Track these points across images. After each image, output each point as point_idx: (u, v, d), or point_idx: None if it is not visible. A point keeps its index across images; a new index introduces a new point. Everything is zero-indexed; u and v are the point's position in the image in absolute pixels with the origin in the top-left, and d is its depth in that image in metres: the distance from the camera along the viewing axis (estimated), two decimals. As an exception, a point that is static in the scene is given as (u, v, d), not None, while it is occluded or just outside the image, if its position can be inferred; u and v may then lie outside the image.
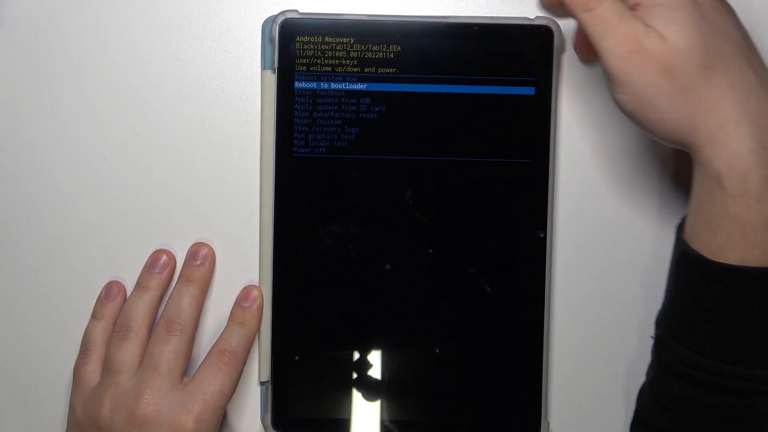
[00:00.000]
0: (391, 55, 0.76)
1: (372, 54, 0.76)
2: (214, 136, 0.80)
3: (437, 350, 0.79)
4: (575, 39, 0.77)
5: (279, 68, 0.77)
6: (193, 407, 0.75)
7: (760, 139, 0.65)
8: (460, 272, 0.79)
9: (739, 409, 0.68)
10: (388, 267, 0.79)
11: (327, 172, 0.77)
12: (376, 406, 0.80)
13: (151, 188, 0.80)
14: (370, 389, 0.79)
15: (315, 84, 0.77)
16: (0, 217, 0.80)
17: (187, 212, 0.80)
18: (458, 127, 0.77)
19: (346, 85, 0.77)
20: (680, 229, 0.70)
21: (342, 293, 0.79)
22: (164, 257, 0.80)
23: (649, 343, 0.73)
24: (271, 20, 0.77)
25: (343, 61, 0.76)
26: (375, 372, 0.79)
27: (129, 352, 0.77)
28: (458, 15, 0.78)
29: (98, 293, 0.80)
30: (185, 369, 0.77)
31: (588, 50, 0.74)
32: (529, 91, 0.77)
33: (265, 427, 0.79)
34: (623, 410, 0.81)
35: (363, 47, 0.76)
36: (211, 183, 0.80)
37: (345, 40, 0.76)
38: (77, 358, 0.79)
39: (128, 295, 0.80)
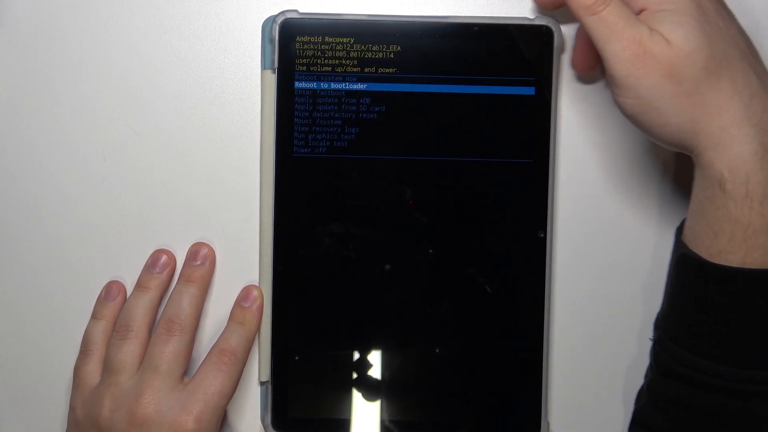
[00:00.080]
0: (391, 55, 0.76)
1: (372, 54, 0.76)
2: (214, 136, 0.80)
3: (437, 350, 0.79)
4: (573, 54, 0.77)
5: (279, 68, 0.77)
6: (193, 407, 0.75)
7: (763, 142, 0.65)
8: (460, 272, 0.79)
9: (738, 410, 0.68)
10: (388, 267, 0.79)
11: (327, 172, 0.77)
12: (376, 406, 0.80)
13: (151, 188, 0.80)
14: (370, 389, 0.79)
15: (315, 84, 0.77)
16: (0, 217, 0.80)
17: (187, 212, 0.80)
18: (458, 127, 0.77)
19: (346, 85, 0.77)
20: (680, 231, 0.71)
21: (342, 293, 0.79)
22: (164, 257, 0.80)
23: (649, 344, 0.73)
24: (271, 20, 0.77)
25: (343, 61, 0.76)
26: (375, 372, 0.79)
27: (129, 352, 0.77)
28: (458, 15, 0.78)
29: (98, 293, 0.80)
30: (185, 369, 0.77)
31: (585, 65, 0.75)
32: (530, 91, 0.77)
33: (265, 427, 0.79)
34: (623, 410, 0.81)
35: (363, 47, 0.76)
36: (211, 183, 0.80)
37: (345, 40, 0.76)
38: (77, 358, 0.79)
39: (128, 295, 0.80)
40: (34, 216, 0.80)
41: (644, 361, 0.74)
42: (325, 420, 0.80)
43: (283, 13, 0.77)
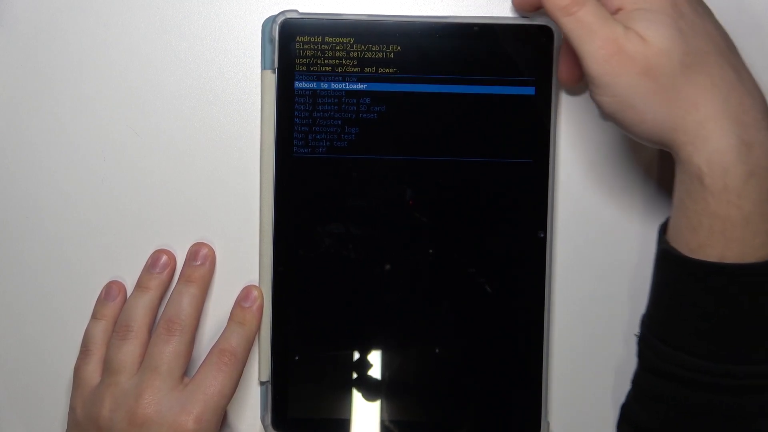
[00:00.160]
0: (391, 55, 0.76)
1: (372, 54, 0.76)
2: (214, 136, 0.80)
3: (437, 350, 0.79)
4: (559, 67, 0.77)
5: (279, 68, 0.77)
6: (194, 407, 0.74)
7: (741, 136, 0.65)
8: (460, 272, 0.79)
9: (721, 406, 0.68)
10: (388, 267, 0.79)
11: (327, 172, 0.77)
12: (376, 406, 0.80)
13: (151, 188, 0.80)
14: (370, 389, 0.79)
15: (315, 84, 0.77)
16: (0, 217, 0.80)
17: (187, 212, 0.80)
18: (458, 127, 0.77)
19: (346, 85, 0.77)
20: (663, 228, 0.71)
21: (342, 293, 0.79)
22: (164, 257, 0.80)
23: (644, 343, 0.73)
24: (271, 20, 0.77)
25: (343, 61, 0.76)
26: (375, 372, 0.79)
27: (129, 352, 0.77)
28: (458, 15, 0.78)
29: (98, 293, 0.80)
30: (185, 369, 0.77)
31: (570, 78, 0.75)
32: (529, 91, 0.77)
33: (265, 427, 0.79)
34: (623, 410, 0.81)
35: (363, 47, 0.76)
36: (211, 183, 0.80)
37: (345, 40, 0.76)
38: (77, 358, 0.79)
39: (128, 295, 0.80)
40: (34, 216, 0.80)
41: (644, 362, 0.74)
42: (325, 420, 0.80)
43: (283, 13, 0.77)
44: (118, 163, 0.80)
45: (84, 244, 0.80)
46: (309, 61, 0.76)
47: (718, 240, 0.66)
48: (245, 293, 0.79)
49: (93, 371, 0.78)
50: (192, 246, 0.80)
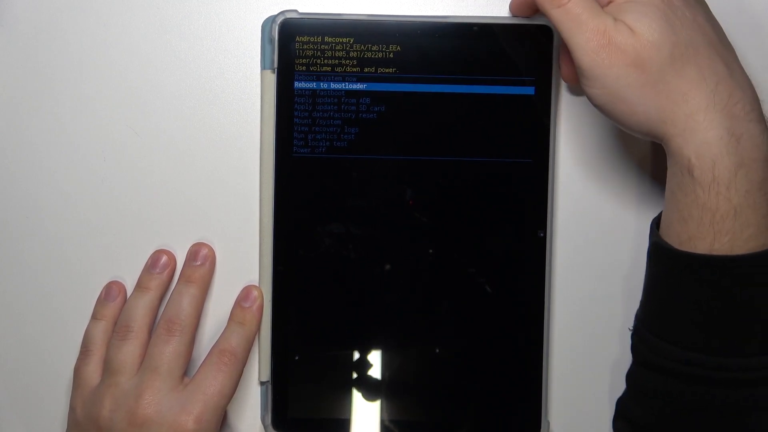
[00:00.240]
0: (391, 55, 0.76)
1: (371, 54, 0.76)
2: (214, 136, 0.80)
3: (437, 350, 0.79)
4: (561, 66, 0.77)
5: (279, 68, 0.77)
6: (194, 407, 0.74)
7: (729, 128, 0.65)
8: (460, 272, 0.79)
9: (714, 400, 0.68)
10: (388, 267, 0.79)
11: (327, 172, 0.77)
12: (376, 406, 0.80)
13: (151, 188, 0.80)
14: (370, 389, 0.79)
15: (314, 84, 0.77)
16: (0, 217, 0.80)
17: (187, 212, 0.80)
18: (458, 126, 0.77)
19: (345, 85, 0.77)
20: (656, 222, 0.71)
21: (342, 293, 0.79)
22: (164, 257, 0.80)
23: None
24: (271, 20, 0.77)
25: (343, 61, 0.76)
26: (375, 372, 0.79)
27: (129, 352, 0.77)
28: (458, 15, 0.78)
29: (98, 293, 0.80)
30: (185, 369, 0.77)
31: (574, 76, 0.75)
32: (529, 90, 0.77)
33: (265, 427, 0.79)
34: (623, 410, 0.81)
35: (362, 47, 0.76)
36: (211, 183, 0.80)
37: (344, 40, 0.76)
38: (77, 359, 0.79)
39: (128, 295, 0.80)
40: (34, 216, 0.80)
41: (644, 361, 0.74)
42: (325, 420, 0.80)
43: (282, 13, 0.77)
44: (118, 163, 0.80)
45: (84, 244, 0.80)
46: (309, 61, 0.76)
47: (708, 232, 0.66)
48: (245, 293, 0.79)
49: (93, 371, 0.78)
50: (192, 246, 0.80)
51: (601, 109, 0.69)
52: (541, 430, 0.79)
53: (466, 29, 0.77)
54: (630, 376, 0.73)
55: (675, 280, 0.68)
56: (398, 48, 0.76)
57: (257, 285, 0.79)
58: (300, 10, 0.77)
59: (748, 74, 0.69)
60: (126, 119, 0.80)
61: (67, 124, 0.79)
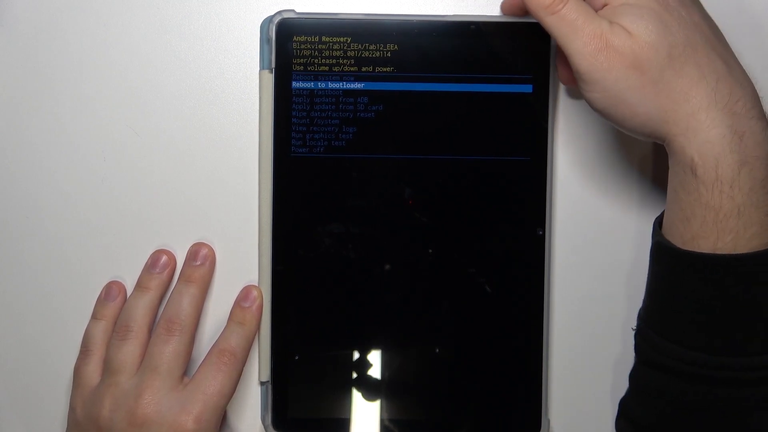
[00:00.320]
0: (388, 54, 0.76)
1: (369, 53, 0.76)
2: (214, 136, 0.80)
3: (437, 350, 0.79)
4: (558, 69, 0.77)
5: (276, 68, 0.77)
6: (193, 407, 0.75)
7: (731, 126, 0.65)
8: (459, 272, 0.78)
9: (717, 399, 0.68)
10: (387, 267, 0.79)
11: (325, 171, 0.77)
12: (376, 405, 0.79)
13: (151, 188, 0.80)
14: (370, 389, 0.79)
15: (312, 84, 0.77)
16: (0, 217, 0.80)
17: (187, 212, 0.80)
18: (456, 125, 0.77)
19: (343, 85, 0.77)
20: (658, 221, 0.71)
21: (341, 293, 0.79)
22: (164, 257, 0.80)
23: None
24: (268, 20, 0.77)
25: (340, 61, 0.76)
26: (375, 372, 0.79)
27: (129, 352, 0.77)
28: (455, 14, 0.78)
29: (98, 293, 0.80)
30: (185, 369, 0.77)
31: (571, 78, 0.75)
32: (527, 88, 0.77)
33: (265, 427, 0.79)
34: (624, 409, 0.80)
35: (360, 46, 0.76)
36: (211, 183, 0.80)
37: (342, 39, 0.76)
38: (77, 358, 0.79)
39: (128, 295, 0.80)
40: (34, 216, 0.80)
41: (644, 360, 0.74)
42: (325, 420, 0.80)
43: (279, 13, 0.76)
44: (118, 163, 0.80)
45: (84, 244, 0.80)
46: (306, 61, 0.76)
47: (711, 231, 0.66)
48: (245, 293, 0.79)
49: (93, 371, 0.78)
50: (192, 246, 0.80)
51: (601, 113, 0.69)
52: (542, 429, 0.79)
53: (463, 28, 0.76)
54: (633, 376, 0.73)
55: (678, 280, 0.68)
56: (395, 47, 0.76)
57: (257, 285, 0.79)
58: (297, 10, 0.77)
59: (747, 74, 0.69)
60: (126, 119, 0.80)
61: (67, 124, 0.80)
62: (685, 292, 0.68)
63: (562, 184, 0.79)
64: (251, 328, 0.78)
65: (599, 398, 0.81)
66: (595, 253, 0.80)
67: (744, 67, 0.69)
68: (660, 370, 0.69)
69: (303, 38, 0.76)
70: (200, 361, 0.77)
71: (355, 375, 0.79)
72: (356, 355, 0.79)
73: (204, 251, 0.80)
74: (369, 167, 0.77)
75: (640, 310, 0.72)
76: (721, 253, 0.66)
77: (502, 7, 0.77)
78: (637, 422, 0.72)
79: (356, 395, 0.79)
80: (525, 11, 0.73)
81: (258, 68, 0.79)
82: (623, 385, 0.74)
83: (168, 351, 0.76)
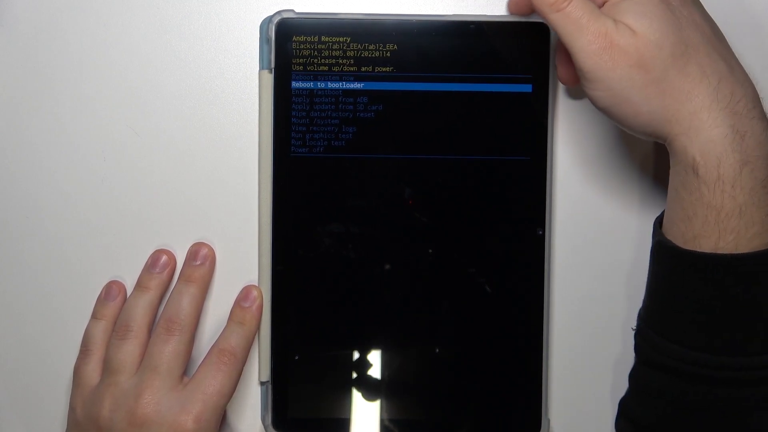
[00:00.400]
0: (388, 54, 0.76)
1: (368, 53, 0.76)
2: (214, 136, 0.80)
3: (437, 350, 0.79)
4: (558, 68, 0.77)
5: (276, 68, 0.77)
6: (193, 407, 0.75)
7: (733, 125, 0.65)
8: (459, 272, 0.78)
9: (717, 399, 0.68)
10: (387, 267, 0.79)
11: (325, 171, 0.77)
12: (376, 405, 0.79)
13: (151, 188, 0.80)
14: (370, 389, 0.79)
15: (312, 83, 0.77)
16: (0, 217, 0.80)
17: (187, 212, 0.80)
18: (456, 125, 0.77)
19: (342, 85, 0.77)
20: (658, 221, 0.71)
21: (342, 293, 0.79)
22: (164, 257, 0.80)
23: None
24: (268, 20, 0.77)
25: (340, 61, 0.76)
26: (375, 372, 0.79)
27: (129, 352, 0.77)
28: (455, 13, 0.78)
29: (98, 293, 0.80)
30: (185, 369, 0.77)
31: (570, 78, 0.75)
32: (526, 88, 0.77)
33: (265, 427, 0.79)
34: (624, 409, 0.80)
35: (359, 46, 0.76)
36: (211, 183, 0.80)
37: (341, 39, 0.76)
38: (77, 358, 0.79)
39: (128, 295, 0.80)
40: (34, 216, 0.80)
41: (644, 360, 0.74)
42: (325, 420, 0.80)
43: (279, 13, 0.77)
44: (118, 163, 0.80)
45: (84, 244, 0.80)
46: (306, 61, 0.76)
47: (713, 230, 0.66)
48: (245, 293, 0.79)
49: (93, 371, 0.78)
50: (192, 246, 0.80)
51: (604, 111, 0.69)
52: (542, 429, 0.79)
53: (462, 28, 0.76)
54: (633, 376, 0.73)
55: (679, 279, 0.68)
56: (395, 47, 0.76)
57: (257, 285, 0.79)
58: (297, 10, 0.77)
59: (747, 74, 0.69)
60: (126, 119, 0.80)
61: (67, 124, 0.80)
62: (685, 291, 0.68)
63: (562, 184, 0.79)
64: (251, 328, 0.78)
65: (599, 398, 0.81)
66: (595, 253, 0.80)
67: (744, 67, 0.69)
68: (660, 370, 0.69)
69: (302, 38, 0.76)
70: (200, 361, 0.77)
71: (355, 375, 0.79)
72: (356, 355, 0.79)
73: (204, 251, 0.80)
74: (369, 167, 0.77)
75: (640, 310, 0.72)
76: (722, 252, 0.66)
77: (509, 6, 0.77)
78: (637, 422, 0.72)
79: (356, 395, 0.79)
80: (531, 9, 0.73)
81: (258, 68, 0.79)
82: (623, 385, 0.74)
83: (168, 351, 0.76)
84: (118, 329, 0.78)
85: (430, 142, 0.77)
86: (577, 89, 0.78)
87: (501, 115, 0.77)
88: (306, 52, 0.76)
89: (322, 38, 0.76)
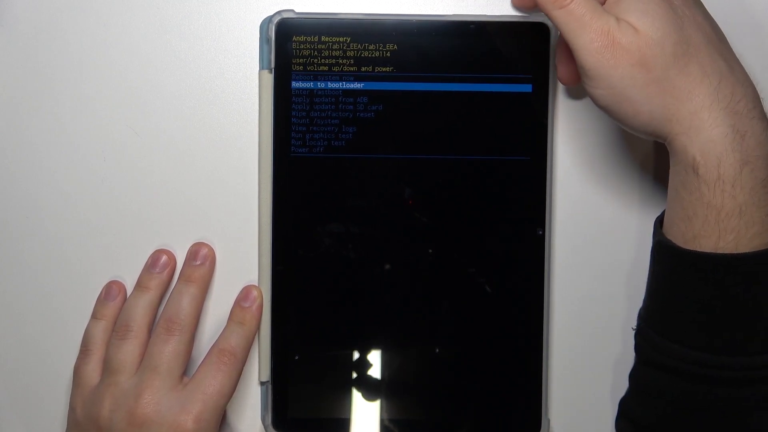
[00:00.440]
0: (388, 54, 0.76)
1: (368, 53, 0.76)
2: (214, 136, 0.80)
3: (437, 350, 0.79)
4: (558, 68, 0.77)
5: (276, 68, 0.77)
6: (193, 407, 0.75)
7: (734, 125, 0.65)
8: (459, 272, 0.78)
9: (717, 399, 0.68)
10: (387, 267, 0.79)
11: (325, 171, 0.77)
12: (376, 405, 0.79)
13: (151, 188, 0.80)
14: (370, 389, 0.79)
15: (312, 83, 0.77)
16: (0, 217, 0.80)
17: (187, 212, 0.80)
18: (456, 125, 0.77)
19: (342, 85, 0.77)
20: (659, 221, 0.71)
21: (342, 293, 0.79)
22: (164, 257, 0.80)
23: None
24: (268, 20, 0.77)
25: (340, 61, 0.76)
26: (375, 372, 0.79)
27: (129, 352, 0.77)
28: (455, 13, 0.78)
29: (98, 293, 0.80)
30: (185, 369, 0.77)
31: (570, 78, 0.75)
32: (526, 88, 0.77)
33: (265, 427, 0.79)
34: (624, 409, 0.80)
35: (359, 46, 0.76)
36: (211, 183, 0.80)
37: (341, 39, 0.76)
38: (77, 358, 0.79)
39: (128, 295, 0.80)
40: (34, 216, 0.80)
41: (644, 360, 0.74)
42: (325, 420, 0.80)
43: (279, 13, 0.77)
44: (118, 163, 0.80)
45: (84, 244, 0.80)
46: (306, 61, 0.76)
47: (713, 230, 0.66)
48: (245, 293, 0.79)
49: (93, 371, 0.78)
50: (192, 246, 0.80)
51: (605, 110, 0.69)
52: (542, 429, 0.79)
53: (462, 28, 0.76)
54: (633, 376, 0.73)
55: (679, 279, 0.68)
56: (395, 47, 0.76)
57: (257, 285, 0.79)
58: (297, 10, 0.77)
59: (747, 74, 0.69)
60: (126, 119, 0.80)
61: (67, 124, 0.80)
62: (686, 291, 0.68)
63: (562, 183, 0.79)
64: (251, 328, 0.78)
65: (599, 398, 0.81)
66: (595, 253, 0.80)
67: (744, 67, 0.69)
68: (660, 370, 0.69)
69: (302, 38, 0.76)
70: (200, 361, 0.77)
71: (355, 375, 0.79)
72: (356, 355, 0.79)
73: (204, 251, 0.80)
74: (369, 167, 0.77)
75: (640, 309, 0.72)
76: (723, 252, 0.66)
77: (513, 2, 0.77)
78: (637, 422, 0.72)
79: (356, 395, 0.79)
80: (535, 6, 0.73)
81: (258, 68, 0.79)
82: (623, 385, 0.74)
83: (168, 351, 0.76)
84: (118, 329, 0.78)
85: (430, 142, 0.77)
86: (577, 89, 0.78)
87: (501, 115, 0.77)
88: (306, 52, 0.76)
89: (322, 38, 0.76)
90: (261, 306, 0.79)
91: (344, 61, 0.76)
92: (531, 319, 0.79)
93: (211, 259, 0.80)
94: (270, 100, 0.77)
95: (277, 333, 0.79)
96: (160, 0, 0.79)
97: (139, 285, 0.79)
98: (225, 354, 0.76)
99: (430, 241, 0.78)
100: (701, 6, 0.70)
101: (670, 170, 0.69)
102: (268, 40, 0.77)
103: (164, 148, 0.80)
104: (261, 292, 0.79)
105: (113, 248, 0.81)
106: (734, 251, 0.66)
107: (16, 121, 0.80)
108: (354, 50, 0.76)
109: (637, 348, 0.72)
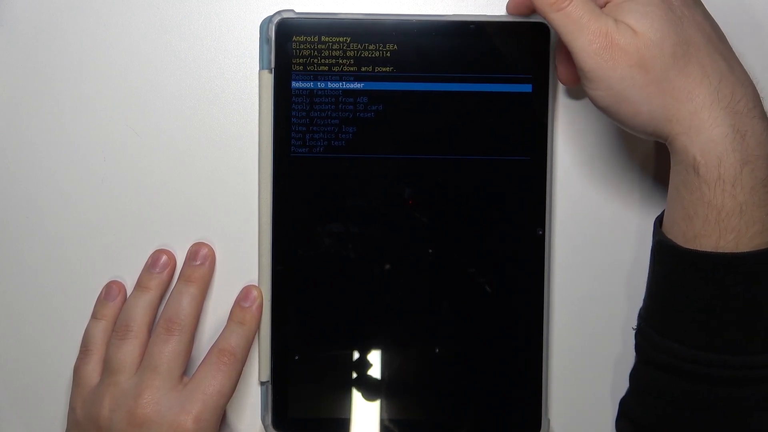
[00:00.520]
0: (388, 54, 0.76)
1: (368, 53, 0.76)
2: (214, 136, 0.80)
3: (437, 350, 0.79)
4: (557, 68, 0.77)
5: (276, 68, 0.77)
6: (193, 407, 0.75)
7: (734, 125, 0.65)
8: (459, 272, 0.78)
9: (717, 399, 0.68)
10: (387, 267, 0.78)
11: (325, 171, 0.77)
12: (376, 405, 0.79)
13: (151, 188, 0.80)
14: (370, 389, 0.79)
15: (312, 83, 0.77)
16: (0, 217, 0.80)
17: (187, 212, 0.80)
18: (456, 125, 0.77)
19: (342, 85, 0.77)
20: (659, 220, 0.71)
21: (342, 293, 0.79)
22: (164, 257, 0.80)
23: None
24: (268, 20, 0.77)
25: (340, 61, 0.76)
26: (375, 372, 0.79)
27: (129, 352, 0.77)
28: (455, 13, 0.78)
29: (98, 293, 0.80)
30: (185, 369, 0.77)
31: (570, 79, 0.75)
32: (526, 88, 0.77)
33: (265, 427, 0.79)
34: (624, 409, 0.80)
35: (359, 46, 0.76)
36: (211, 183, 0.80)
37: (341, 39, 0.76)
38: (77, 358, 0.79)
39: (128, 295, 0.80)
40: (34, 216, 0.80)
41: (643, 359, 0.74)
42: (325, 420, 0.80)
43: (279, 13, 0.77)
44: (118, 163, 0.80)
45: (84, 244, 0.80)
46: (306, 61, 0.76)
47: (713, 230, 0.66)
48: (245, 293, 0.79)
49: (93, 371, 0.78)
50: (192, 246, 0.80)
51: (605, 111, 0.69)
52: (542, 429, 0.79)
53: (462, 28, 0.76)
54: (633, 375, 0.73)
55: (679, 278, 0.68)
56: (395, 47, 0.76)
57: (257, 285, 0.79)
58: (297, 10, 0.77)
59: (747, 73, 0.69)
60: (126, 119, 0.80)
61: (67, 124, 0.80)
62: (686, 291, 0.68)
63: (562, 183, 0.79)
64: (251, 328, 0.78)
65: (599, 398, 0.81)
66: (595, 253, 0.80)
67: (744, 67, 0.69)
68: (661, 370, 0.69)
69: (302, 38, 0.76)
70: (200, 361, 0.77)
71: (355, 375, 0.79)
72: (356, 355, 0.79)
73: (204, 251, 0.80)
74: (369, 167, 0.77)
75: (640, 309, 0.72)
76: (723, 252, 0.66)
77: (508, 7, 0.77)
78: (638, 422, 0.72)
79: (356, 395, 0.79)
80: (531, 9, 0.73)
81: (258, 68, 0.79)
82: (623, 385, 0.74)
83: (168, 351, 0.76)
84: (118, 329, 0.78)
85: (430, 142, 0.77)
86: (577, 89, 0.78)
87: (501, 115, 0.77)
88: (306, 52, 0.76)
89: (322, 38, 0.76)
90: (261, 306, 0.79)
91: (344, 61, 0.76)
92: (531, 319, 0.79)
93: (211, 259, 0.80)
94: (270, 100, 0.77)
95: (277, 333, 0.79)
96: (160, 0, 0.79)
97: (139, 285, 0.79)
98: (225, 354, 0.76)
99: (430, 241, 0.78)
100: (701, 5, 0.70)
101: (671, 170, 0.69)
102: (268, 40, 0.77)
103: (164, 148, 0.80)
104: (261, 292, 0.79)
105: (113, 248, 0.81)
106: (735, 251, 0.66)
107: (16, 121, 0.80)
108: (354, 50, 0.76)
109: (638, 348, 0.72)
